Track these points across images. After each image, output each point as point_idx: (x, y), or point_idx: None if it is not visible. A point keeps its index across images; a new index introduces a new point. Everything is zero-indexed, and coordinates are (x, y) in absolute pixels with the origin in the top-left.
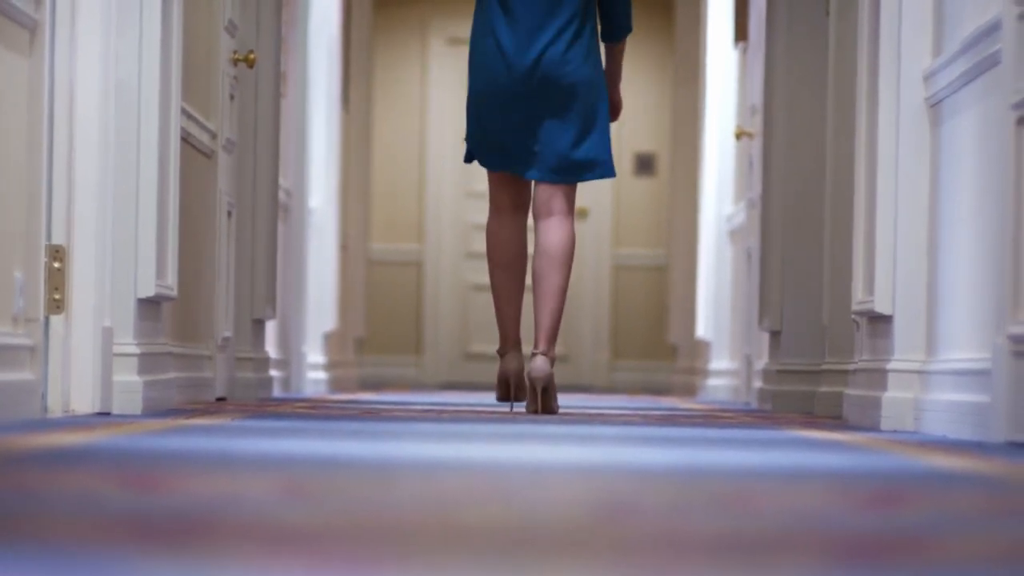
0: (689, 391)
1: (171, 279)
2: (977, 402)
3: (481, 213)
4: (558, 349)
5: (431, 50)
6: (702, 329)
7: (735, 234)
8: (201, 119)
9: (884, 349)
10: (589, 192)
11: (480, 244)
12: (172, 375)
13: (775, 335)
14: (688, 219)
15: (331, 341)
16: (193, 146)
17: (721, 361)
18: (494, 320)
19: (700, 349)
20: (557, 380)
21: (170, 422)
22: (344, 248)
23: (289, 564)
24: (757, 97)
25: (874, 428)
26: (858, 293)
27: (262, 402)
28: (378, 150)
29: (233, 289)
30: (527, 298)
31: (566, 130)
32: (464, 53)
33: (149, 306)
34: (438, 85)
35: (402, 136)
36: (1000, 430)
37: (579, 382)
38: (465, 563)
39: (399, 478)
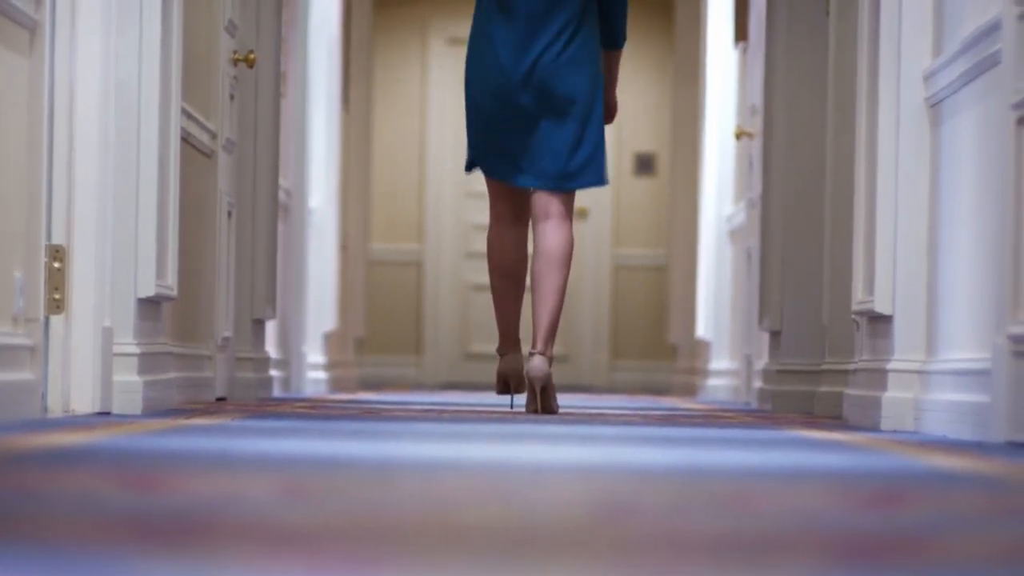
0: (689, 391)
1: (171, 279)
2: (977, 402)
3: (481, 213)
4: (558, 349)
5: (431, 50)
6: (702, 329)
7: (735, 234)
8: (201, 119)
9: (884, 349)
10: (589, 192)
11: (480, 244)
12: (172, 375)
13: (775, 335)
14: (688, 219)
15: (331, 341)
16: (193, 146)
17: (721, 361)
18: (494, 320)
19: (700, 349)
20: (557, 380)
21: (170, 422)
22: (344, 248)
23: (289, 564)
24: (757, 97)
25: (874, 428)
26: (858, 293)
27: (262, 402)
28: (378, 150)
29: (233, 289)
30: (527, 300)
31: (560, 137)
32: (464, 53)
33: (149, 306)
34: (438, 85)
35: (402, 136)
36: (1000, 430)
37: (579, 382)
38: (465, 563)
39: (399, 478)
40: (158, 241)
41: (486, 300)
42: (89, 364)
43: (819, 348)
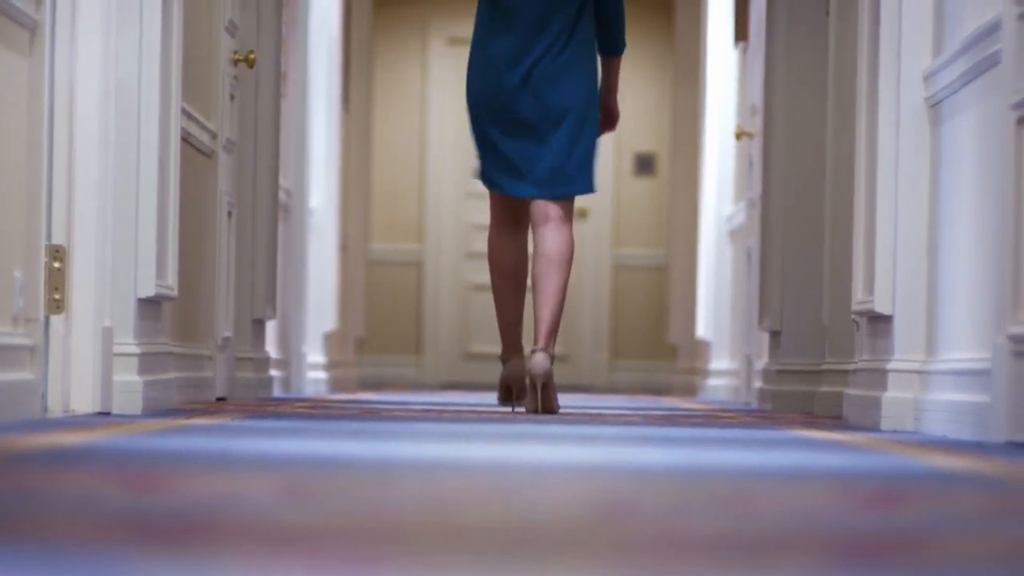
0: (689, 391)
1: (171, 279)
2: (977, 402)
3: (481, 213)
4: (558, 349)
5: (431, 50)
6: (702, 329)
7: (735, 234)
8: (201, 119)
9: (884, 349)
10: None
11: (480, 244)
12: (172, 375)
13: (775, 335)
14: (688, 219)
15: (331, 341)
16: (193, 146)
17: (721, 361)
18: (494, 320)
19: (700, 349)
20: (557, 380)
21: (170, 422)
22: (344, 248)
23: (289, 564)
24: (757, 97)
25: (874, 428)
26: (858, 293)
27: (262, 402)
28: (378, 150)
29: (233, 289)
30: (528, 304)
31: (555, 144)
32: (464, 53)
33: (149, 306)
34: (438, 85)
35: (402, 136)
36: (1000, 430)
37: (579, 382)
38: (465, 563)
39: (399, 478)
40: (158, 241)
41: (486, 300)
42: (89, 364)
43: (819, 348)
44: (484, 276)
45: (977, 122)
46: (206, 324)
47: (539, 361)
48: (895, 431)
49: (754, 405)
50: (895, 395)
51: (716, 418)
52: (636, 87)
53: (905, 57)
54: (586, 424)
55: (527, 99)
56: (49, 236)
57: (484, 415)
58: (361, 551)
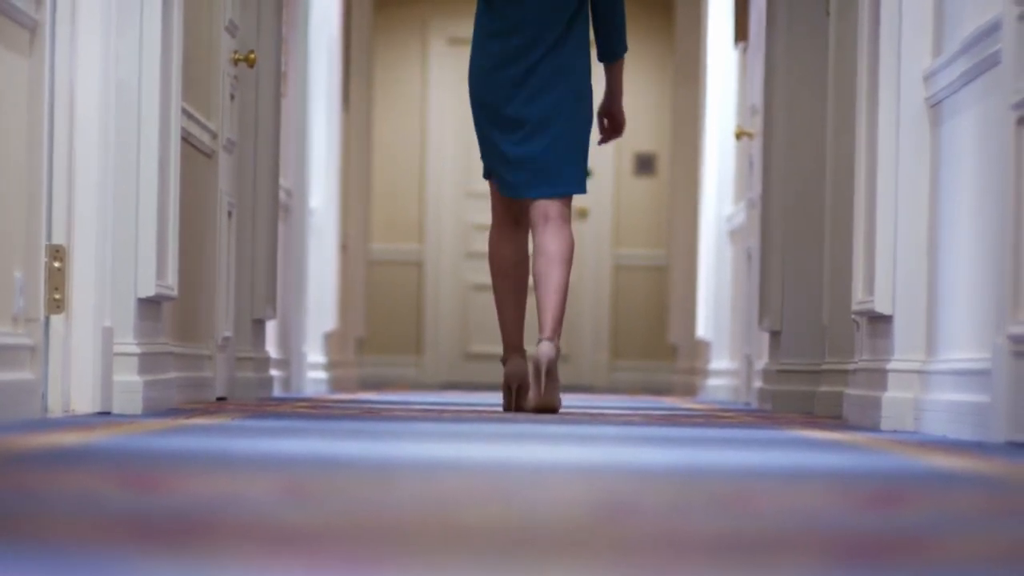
0: (689, 391)
1: (171, 279)
2: (977, 402)
3: (480, 213)
4: None
5: (431, 50)
6: (702, 329)
7: (735, 234)
8: (201, 119)
9: (884, 349)
10: (589, 192)
11: (480, 244)
12: (172, 375)
13: (775, 335)
14: (688, 219)
15: (331, 341)
16: (193, 146)
17: (721, 361)
18: (494, 320)
19: (700, 349)
20: None
21: (170, 422)
22: (344, 248)
23: (289, 564)
24: (757, 97)
25: (874, 428)
26: (858, 293)
27: (262, 402)
28: (378, 150)
29: (233, 289)
30: (530, 308)
31: (550, 145)
32: (464, 53)
33: (149, 306)
34: (438, 85)
35: (402, 136)
36: (1000, 430)
37: (579, 382)
38: (465, 563)
39: (399, 478)
40: (158, 241)
41: (486, 300)
42: (89, 364)
43: (819, 348)
44: (484, 276)
45: (977, 122)
46: (206, 324)
47: (545, 348)
48: (895, 431)
49: (754, 405)
50: (895, 395)
51: (716, 418)
52: (636, 87)
53: (905, 57)
54: (586, 424)
55: (523, 100)
56: (49, 236)
57: (484, 415)
58: (361, 551)
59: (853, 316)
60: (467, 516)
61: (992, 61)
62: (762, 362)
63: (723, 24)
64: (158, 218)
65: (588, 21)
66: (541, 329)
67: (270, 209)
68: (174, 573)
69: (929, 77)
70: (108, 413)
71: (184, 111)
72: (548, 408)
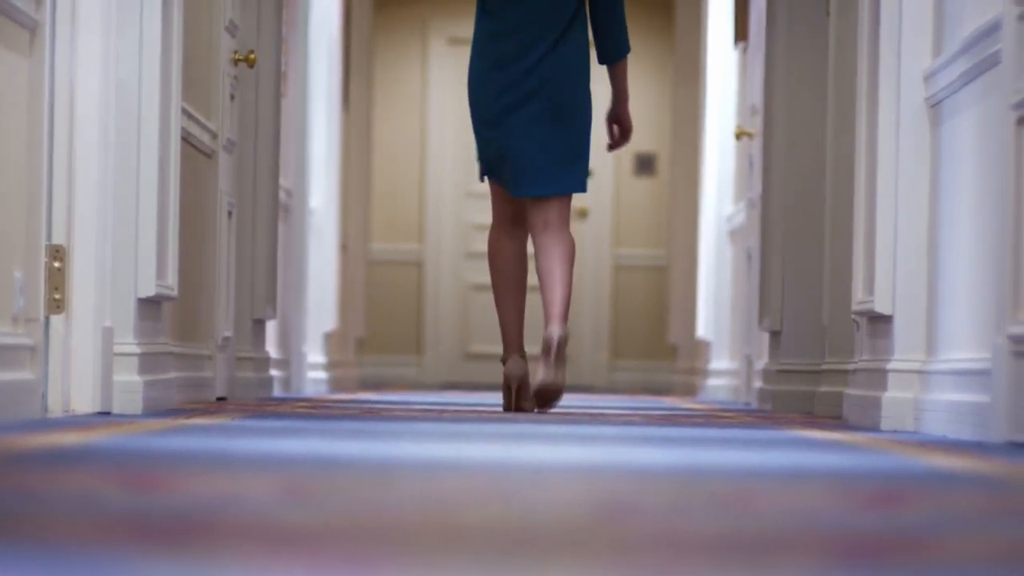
0: (689, 391)
1: (171, 279)
2: (977, 402)
3: (480, 213)
4: None
5: (431, 50)
6: (702, 329)
7: (735, 234)
8: (201, 119)
9: (884, 349)
10: (589, 192)
11: (480, 244)
12: (172, 375)
13: (775, 335)
14: (688, 219)
15: (331, 341)
16: (193, 146)
17: (721, 361)
18: (494, 320)
19: (700, 349)
20: None
21: (170, 422)
22: (344, 248)
23: (289, 564)
24: (757, 97)
25: (874, 428)
26: (858, 293)
27: (262, 402)
28: (378, 150)
29: (233, 289)
30: (531, 308)
31: (550, 144)
32: (464, 53)
33: (149, 306)
34: (438, 85)
35: (402, 136)
36: (1000, 430)
37: (579, 382)
38: (465, 563)
39: (399, 478)
40: (158, 241)
41: (486, 300)
42: (89, 364)
43: (819, 348)
44: (484, 276)
45: (977, 122)
46: (206, 324)
47: (555, 328)
48: (895, 431)
49: (754, 405)
50: (895, 395)
51: (716, 418)
52: (636, 87)
53: (905, 57)
54: (586, 424)
55: (523, 100)
56: (49, 236)
57: (484, 415)
58: (361, 551)
59: (853, 316)
60: (467, 516)
61: (992, 61)
62: (762, 362)
63: (723, 24)
64: (158, 218)
65: (586, 21)
66: (548, 317)
67: (270, 209)
68: (174, 573)
69: (929, 77)
70: (108, 413)
71: (184, 111)
72: (554, 388)
